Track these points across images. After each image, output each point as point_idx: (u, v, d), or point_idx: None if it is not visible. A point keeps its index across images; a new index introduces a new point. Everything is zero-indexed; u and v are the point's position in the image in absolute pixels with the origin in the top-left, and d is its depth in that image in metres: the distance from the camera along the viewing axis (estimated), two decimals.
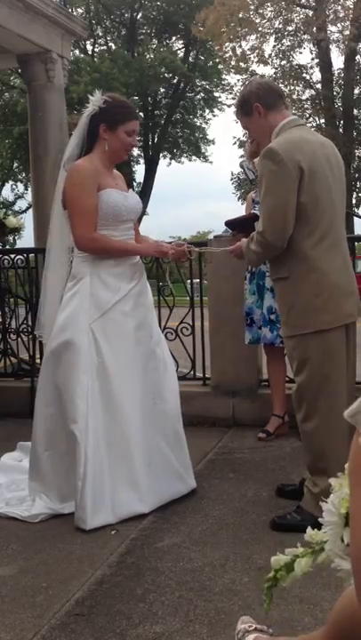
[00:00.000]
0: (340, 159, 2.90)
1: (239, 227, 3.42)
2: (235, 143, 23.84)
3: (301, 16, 21.19)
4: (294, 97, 21.66)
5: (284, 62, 22.21)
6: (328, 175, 2.74)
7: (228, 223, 3.49)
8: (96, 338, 3.00)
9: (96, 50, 29.14)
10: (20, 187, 29.57)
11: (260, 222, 2.73)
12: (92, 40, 28.10)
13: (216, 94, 28.85)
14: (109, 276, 3.08)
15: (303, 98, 22.76)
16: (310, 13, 20.61)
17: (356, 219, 22.17)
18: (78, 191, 3.02)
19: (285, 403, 4.05)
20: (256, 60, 21.52)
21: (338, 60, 34.06)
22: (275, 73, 21.74)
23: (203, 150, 29.88)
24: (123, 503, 2.94)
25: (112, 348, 3.03)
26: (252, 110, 2.85)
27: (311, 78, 22.95)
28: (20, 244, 19.38)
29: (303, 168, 2.65)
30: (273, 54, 22.03)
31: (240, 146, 22.69)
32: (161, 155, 29.67)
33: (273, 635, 1.86)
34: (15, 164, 27.96)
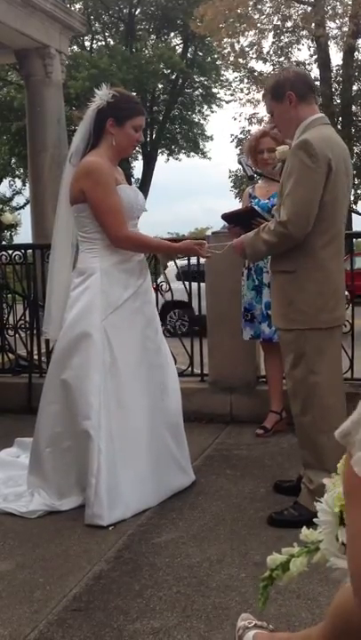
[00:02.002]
0: (350, 162, 2.92)
1: (236, 220, 3.41)
2: (232, 141, 23.83)
3: (300, 12, 21.14)
4: None
5: (282, 59, 22.18)
6: (344, 178, 2.78)
7: (224, 216, 3.48)
8: (108, 335, 3.01)
9: (94, 46, 29.07)
10: (18, 182, 29.54)
11: (285, 212, 2.71)
12: (90, 36, 28.02)
13: (215, 90, 28.81)
14: (119, 272, 3.08)
15: None
16: (309, 9, 20.57)
17: (353, 215, 22.15)
18: (105, 191, 3.01)
19: (283, 399, 4.05)
20: (255, 56, 21.50)
21: (336, 57, 33.94)
22: (273, 69, 21.69)
23: (201, 146, 29.86)
24: (135, 497, 2.97)
25: (123, 346, 3.04)
26: (284, 97, 2.81)
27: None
28: (17, 240, 19.37)
29: (332, 166, 2.67)
30: (271, 51, 22.02)
31: (237, 145, 22.67)
32: (159, 151, 29.62)
33: (273, 631, 1.87)
34: (13, 160, 27.88)
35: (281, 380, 4.15)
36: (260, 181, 4.17)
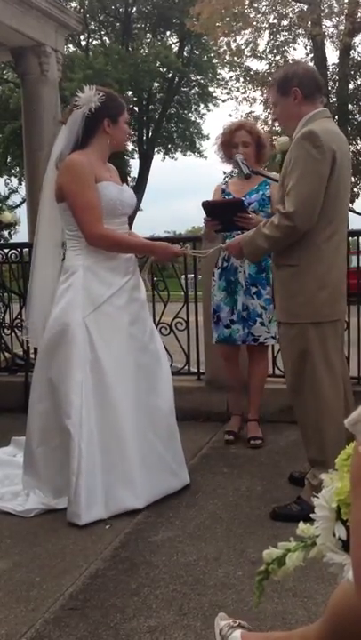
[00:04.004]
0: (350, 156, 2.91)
1: (217, 212, 3.31)
2: None
3: (296, 11, 21.12)
4: None
5: (278, 57, 22.14)
6: (346, 172, 2.78)
7: (206, 205, 3.31)
8: (90, 332, 2.99)
9: (90, 45, 29.00)
10: (14, 181, 29.46)
11: (290, 204, 2.67)
12: (86, 34, 27.97)
13: (211, 89, 28.78)
14: (103, 270, 3.07)
15: None
16: (305, 8, 20.55)
17: (349, 213, 22.15)
18: (80, 187, 3.00)
19: (259, 405, 3.98)
20: (250, 55, 21.48)
21: (333, 55, 34.01)
22: (269, 68, 21.68)
23: (197, 145, 29.83)
24: (116, 498, 2.94)
25: (106, 343, 3.02)
26: (290, 92, 2.80)
27: None
28: (14, 239, 19.30)
29: (336, 159, 2.66)
30: (267, 49, 21.98)
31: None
32: (155, 150, 29.60)
33: (251, 630, 1.87)
34: (9, 159, 27.80)
35: (261, 384, 4.01)
36: (234, 177, 3.93)
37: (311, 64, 21.74)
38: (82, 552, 2.62)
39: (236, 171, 3.68)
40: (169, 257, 3.41)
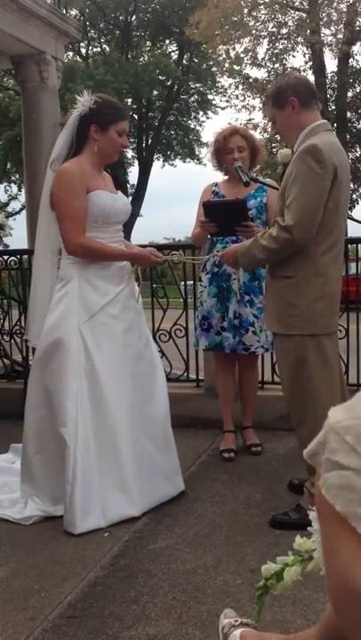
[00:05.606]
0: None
1: (219, 212, 3.29)
2: None
3: (295, 19, 21.24)
4: None
5: (277, 65, 22.25)
6: (346, 186, 2.79)
7: (208, 205, 3.28)
8: (85, 340, 2.99)
9: (90, 52, 29.11)
10: (14, 188, 29.53)
11: (290, 217, 2.67)
12: (86, 42, 28.10)
13: (210, 97, 28.90)
14: (97, 279, 3.07)
15: None
16: (304, 16, 20.66)
17: (348, 221, 22.18)
18: (67, 195, 3.00)
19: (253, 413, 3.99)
20: (249, 62, 21.58)
21: (331, 63, 34.20)
22: (268, 75, 21.78)
23: (197, 152, 29.93)
24: (113, 506, 2.93)
25: (101, 351, 3.01)
26: (287, 104, 2.80)
27: None
28: (12, 245, 19.28)
29: (337, 173, 2.67)
30: (266, 57, 22.09)
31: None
32: (155, 157, 29.68)
33: (257, 629, 1.85)
34: (8, 166, 27.88)
35: (254, 393, 4.02)
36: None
37: (310, 72, 21.91)
38: (80, 560, 2.62)
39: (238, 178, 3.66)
40: (150, 264, 3.43)
